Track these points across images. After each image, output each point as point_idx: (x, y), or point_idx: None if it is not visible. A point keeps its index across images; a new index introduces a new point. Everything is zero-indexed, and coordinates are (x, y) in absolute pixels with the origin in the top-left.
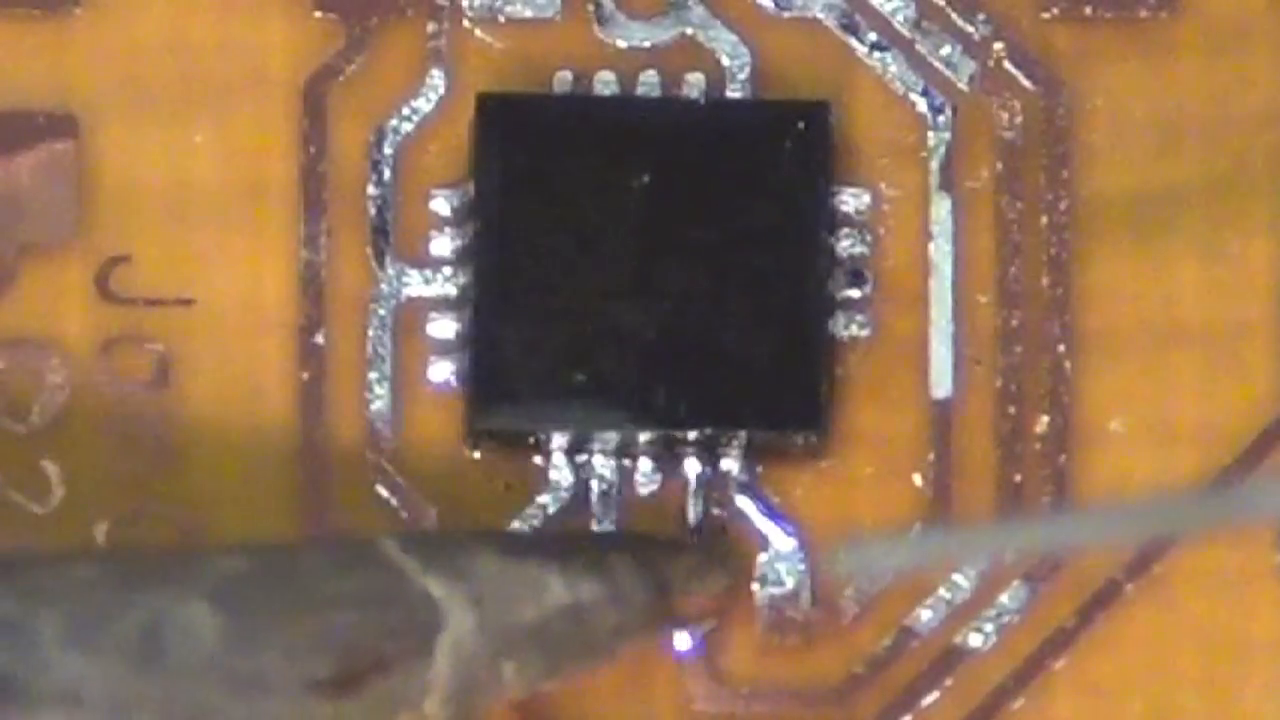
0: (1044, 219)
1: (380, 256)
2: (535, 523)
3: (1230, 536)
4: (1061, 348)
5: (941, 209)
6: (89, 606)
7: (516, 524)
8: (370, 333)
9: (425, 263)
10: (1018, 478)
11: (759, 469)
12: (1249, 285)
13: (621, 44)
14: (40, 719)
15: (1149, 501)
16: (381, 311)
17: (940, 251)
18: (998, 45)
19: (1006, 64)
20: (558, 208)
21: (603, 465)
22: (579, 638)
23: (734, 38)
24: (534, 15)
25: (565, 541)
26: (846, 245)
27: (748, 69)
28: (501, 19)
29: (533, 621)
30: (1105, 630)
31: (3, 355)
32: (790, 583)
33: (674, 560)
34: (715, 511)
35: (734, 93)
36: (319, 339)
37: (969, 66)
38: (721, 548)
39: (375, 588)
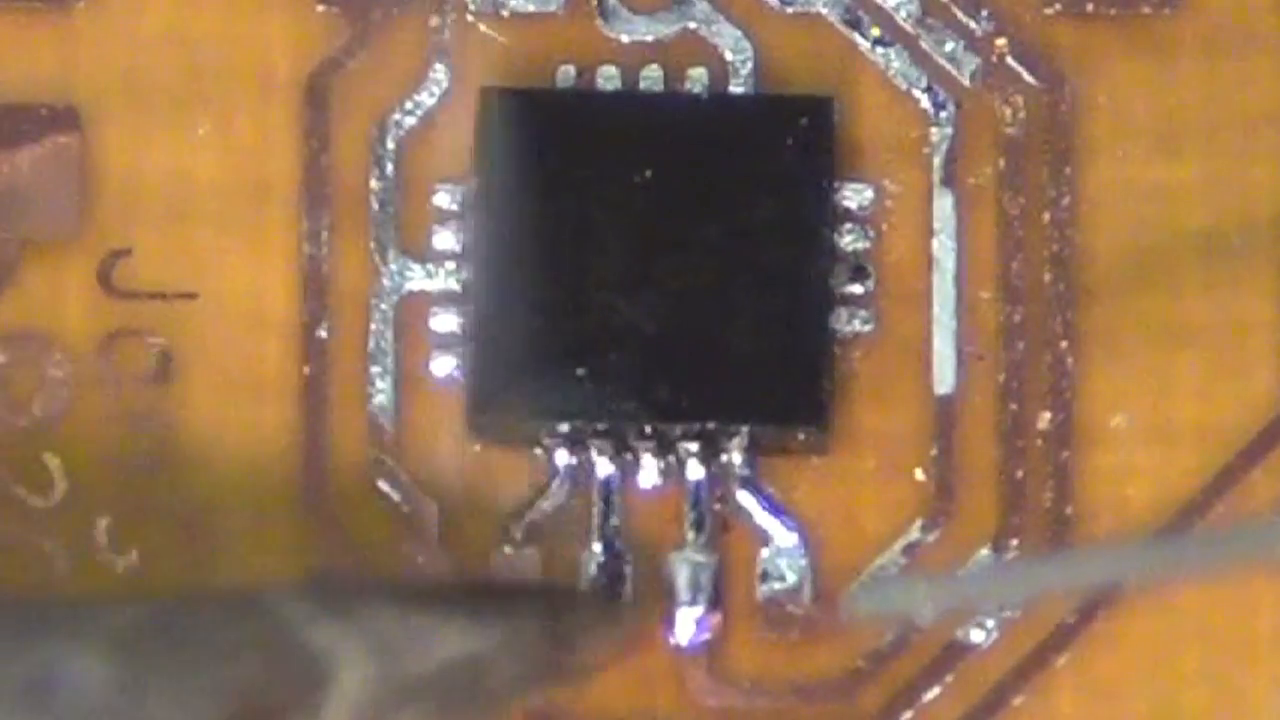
0: (1046, 215)
1: (383, 251)
2: (537, 518)
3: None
4: (1064, 344)
5: (944, 205)
6: None
7: (518, 519)
8: (372, 327)
9: (427, 257)
10: (1019, 474)
11: (761, 464)
12: (1250, 282)
13: (624, 39)
14: None
15: (1158, 542)
16: (384, 306)
17: (943, 247)
18: (1000, 41)
19: (1009, 60)
20: (560, 202)
21: (604, 460)
22: (475, 689)
23: (737, 32)
24: (537, 9)
25: (465, 592)
26: (849, 241)
27: (750, 64)
28: (505, 13)
29: (429, 673)
30: (1107, 627)
31: (4, 349)
32: (792, 578)
33: (573, 613)
34: (717, 507)
35: (737, 88)
36: (321, 333)
37: (972, 62)
38: (620, 601)
39: (263, 639)
